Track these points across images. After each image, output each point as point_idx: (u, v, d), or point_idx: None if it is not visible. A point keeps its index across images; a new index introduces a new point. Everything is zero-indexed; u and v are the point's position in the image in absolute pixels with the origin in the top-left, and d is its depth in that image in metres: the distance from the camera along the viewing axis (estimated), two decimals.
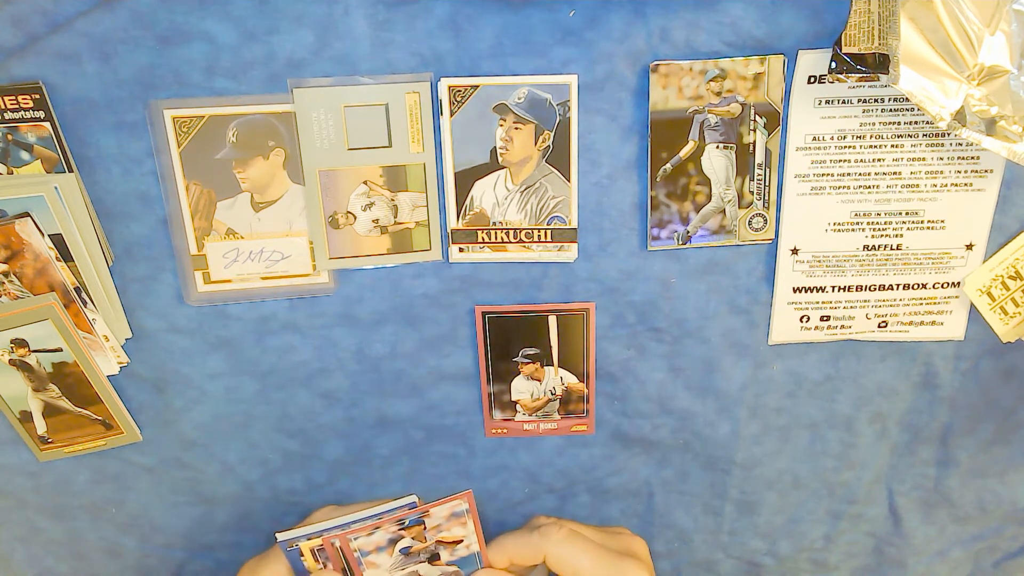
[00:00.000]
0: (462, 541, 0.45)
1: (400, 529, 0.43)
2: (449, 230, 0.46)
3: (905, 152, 0.45)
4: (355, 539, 0.43)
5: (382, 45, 0.41)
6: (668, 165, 0.44)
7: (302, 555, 0.44)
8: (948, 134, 0.44)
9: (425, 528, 0.44)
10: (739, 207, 0.46)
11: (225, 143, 0.43)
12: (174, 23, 0.40)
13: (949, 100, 0.39)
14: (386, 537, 0.43)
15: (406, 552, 0.44)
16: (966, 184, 0.45)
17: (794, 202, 0.46)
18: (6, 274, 0.43)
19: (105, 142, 0.42)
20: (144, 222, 0.44)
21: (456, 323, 0.48)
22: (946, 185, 0.45)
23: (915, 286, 0.48)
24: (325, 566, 0.44)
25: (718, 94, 0.43)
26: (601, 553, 0.44)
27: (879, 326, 0.49)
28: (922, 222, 0.46)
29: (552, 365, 0.50)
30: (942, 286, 0.48)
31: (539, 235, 0.46)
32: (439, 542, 0.45)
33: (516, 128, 0.44)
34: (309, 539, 0.43)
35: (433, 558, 0.45)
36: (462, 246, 0.46)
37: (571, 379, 0.50)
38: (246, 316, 0.47)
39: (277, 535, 0.43)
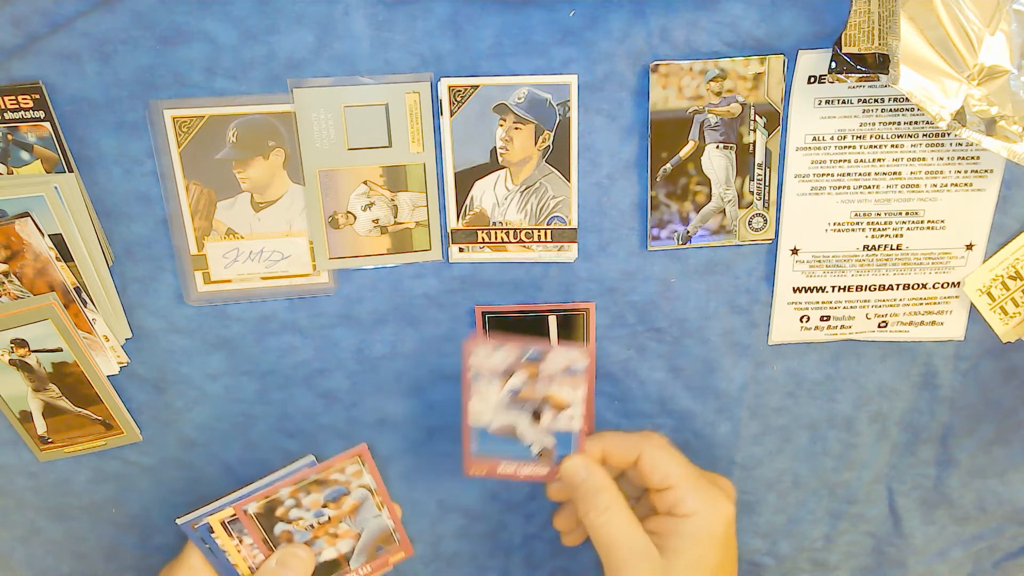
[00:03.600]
0: (567, 409, 0.43)
1: (520, 359, 0.42)
2: (449, 230, 0.46)
3: (905, 152, 0.45)
4: (478, 351, 0.42)
5: (382, 45, 0.41)
6: (668, 165, 0.44)
7: (212, 531, 0.43)
8: (948, 134, 0.44)
9: (539, 373, 0.43)
10: (739, 207, 0.46)
11: (225, 143, 0.43)
12: (174, 23, 0.40)
13: (949, 100, 0.39)
14: (504, 363, 0.42)
15: (515, 394, 0.43)
16: (966, 184, 0.45)
17: (794, 202, 0.46)
18: (6, 274, 0.43)
19: (105, 142, 0.42)
20: (144, 222, 0.44)
21: (456, 323, 0.48)
22: (946, 185, 0.45)
23: (915, 286, 0.48)
24: (241, 540, 0.43)
25: (718, 94, 0.43)
26: (694, 470, 0.44)
27: (879, 326, 0.49)
28: (922, 222, 0.46)
29: None
30: (942, 286, 0.48)
31: (539, 235, 0.46)
32: (547, 399, 0.43)
33: (516, 128, 0.44)
34: (219, 512, 0.42)
35: (535, 417, 0.44)
36: (462, 246, 0.46)
37: None
38: (246, 316, 0.47)
39: (177, 520, 0.42)
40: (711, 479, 0.45)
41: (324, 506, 0.44)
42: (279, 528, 0.43)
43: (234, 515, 0.43)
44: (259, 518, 0.43)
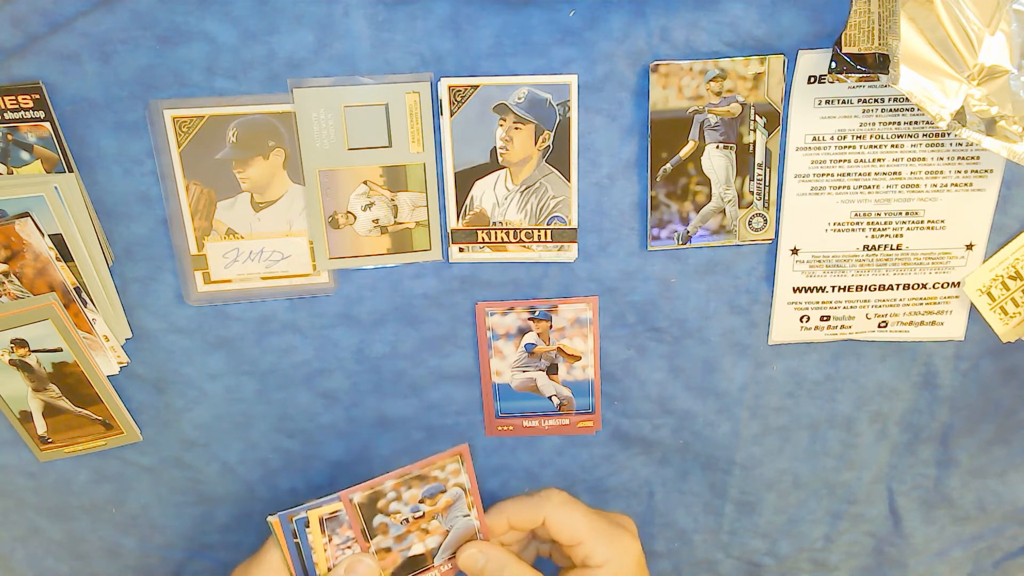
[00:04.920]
0: (580, 359, 0.47)
1: (530, 318, 0.45)
2: (449, 230, 0.46)
3: (905, 152, 0.45)
4: (491, 314, 0.45)
5: (382, 45, 0.41)
6: (668, 165, 0.44)
7: (308, 525, 0.43)
8: (948, 134, 0.44)
9: (551, 326, 0.46)
10: (739, 207, 0.46)
11: (225, 143, 0.43)
12: (174, 23, 0.40)
13: (949, 100, 0.39)
14: (516, 324, 0.46)
15: (530, 350, 0.46)
16: (966, 184, 0.45)
17: (794, 202, 0.46)
18: (6, 274, 0.43)
19: (105, 142, 0.42)
20: (144, 222, 0.44)
21: (456, 323, 0.48)
22: (946, 185, 0.45)
23: (915, 286, 0.48)
24: (330, 539, 0.44)
25: (718, 94, 0.43)
26: (597, 520, 0.46)
27: (879, 326, 0.49)
28: (922, 222, 0.46)
29: None
30: (942, 286, 0.48)
31: (539, 235, 0.46)
32: (560, 350, 0.46)
33: (516, 128, 0.44)
34: (319, 508, 0.43)
35: (551, 371, 0.47)
36: (462, 246, 0.46)
37: None
38: (246, 316, 0.47)
39: (269, 518, 0.42)
40: (613, 521, 0.47)
41: (421, 501, 0.45)
42: (378, 520, 0.44)
43: (330, 513, 0.43)
44: (362, 508, 0.44)
